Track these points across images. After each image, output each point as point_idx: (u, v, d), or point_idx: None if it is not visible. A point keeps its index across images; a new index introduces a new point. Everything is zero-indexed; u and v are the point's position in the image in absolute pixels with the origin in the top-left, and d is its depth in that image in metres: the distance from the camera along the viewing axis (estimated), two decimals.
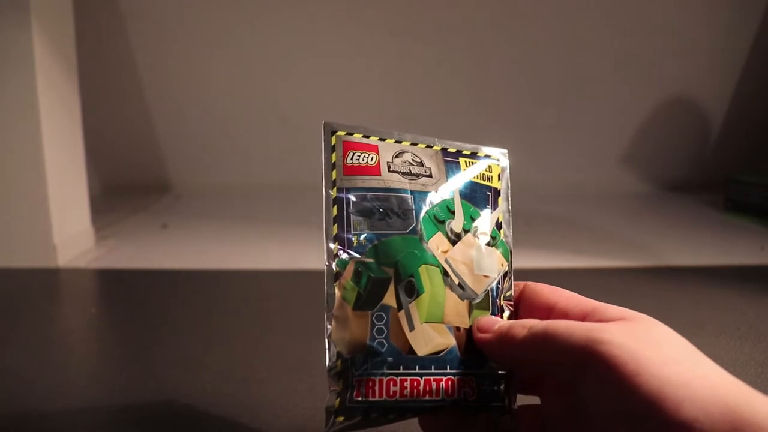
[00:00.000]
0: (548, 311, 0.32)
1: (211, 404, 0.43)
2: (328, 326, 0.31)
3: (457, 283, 0.33)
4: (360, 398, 0.30)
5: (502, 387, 0.32)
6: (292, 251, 0.90)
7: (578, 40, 1.38)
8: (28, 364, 0.50)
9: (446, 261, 0.33)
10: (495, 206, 0.36)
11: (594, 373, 0.25)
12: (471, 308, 0.33)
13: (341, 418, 0.30)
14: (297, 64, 1.37)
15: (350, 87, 1.40)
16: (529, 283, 0.34)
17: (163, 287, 0.74)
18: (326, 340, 0.31)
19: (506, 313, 0.34)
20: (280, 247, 0.93)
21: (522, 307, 0.34)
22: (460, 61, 1.39)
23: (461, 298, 0.32)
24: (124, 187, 1.43)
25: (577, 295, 0.32)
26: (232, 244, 0.96)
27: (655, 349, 0.25)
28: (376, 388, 0.30)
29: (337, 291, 0.31)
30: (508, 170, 0.37)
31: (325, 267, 0.32)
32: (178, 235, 1.02)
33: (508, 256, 0.35)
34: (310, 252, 0.87)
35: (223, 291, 0.72)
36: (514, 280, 0.35)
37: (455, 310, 0.32)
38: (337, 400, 0.30)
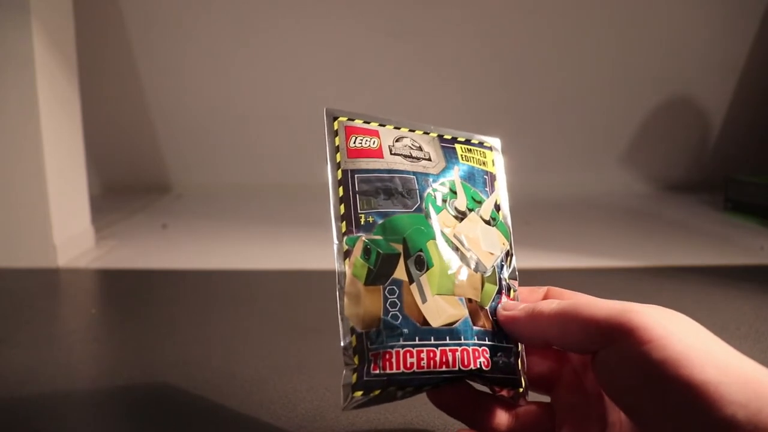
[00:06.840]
0: None
1: (211, 404, 0.43)
2: (341, 303, 0.31)
3: (467, 257, 0.33)
4: (377, 371, 0.30)
5: (513, 359, 0.32)
6: (292, 251, 0.90)
7: (578, 39, 1.38)
8: (28, 365, 0.50)
9: (455, 236, 0.33)
10: (492, 189, 0.36)
11: (621, 338, 0.26)
12: (483, 281, 0.33)
13: (359, 393, 0.29)
14: (298, 64, 1.37)
15: (351, 87, 1.40)
16: (551, 287, 0.35)
17: (163, 287, 0.74)
18: (339, 317, 0.31)
19: (512, 291, 0.34)
20: (280, 247, 0.93)
21: None
22: (459, 62, 1.39)
23: (474, 271, 0.33)
24: (124, 187, 1.43)
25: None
26: (233, 244, 0.96)
27: (680, 325, 0.26)
28: (393, 360, 0.30)
29: (347, 268, 0.31)
30: (501, 157, 0.38)
31: (335, 245, 0.32)
32: (178, 235, 1.02)
33: (508, 235, 0.35)
34: (310, 252, 0.87)
35: (223, 291, 0.72)
36: (533, 285, 0.35)
37: (469, 281, 0.32)
38: (354, 375, 0.30)
